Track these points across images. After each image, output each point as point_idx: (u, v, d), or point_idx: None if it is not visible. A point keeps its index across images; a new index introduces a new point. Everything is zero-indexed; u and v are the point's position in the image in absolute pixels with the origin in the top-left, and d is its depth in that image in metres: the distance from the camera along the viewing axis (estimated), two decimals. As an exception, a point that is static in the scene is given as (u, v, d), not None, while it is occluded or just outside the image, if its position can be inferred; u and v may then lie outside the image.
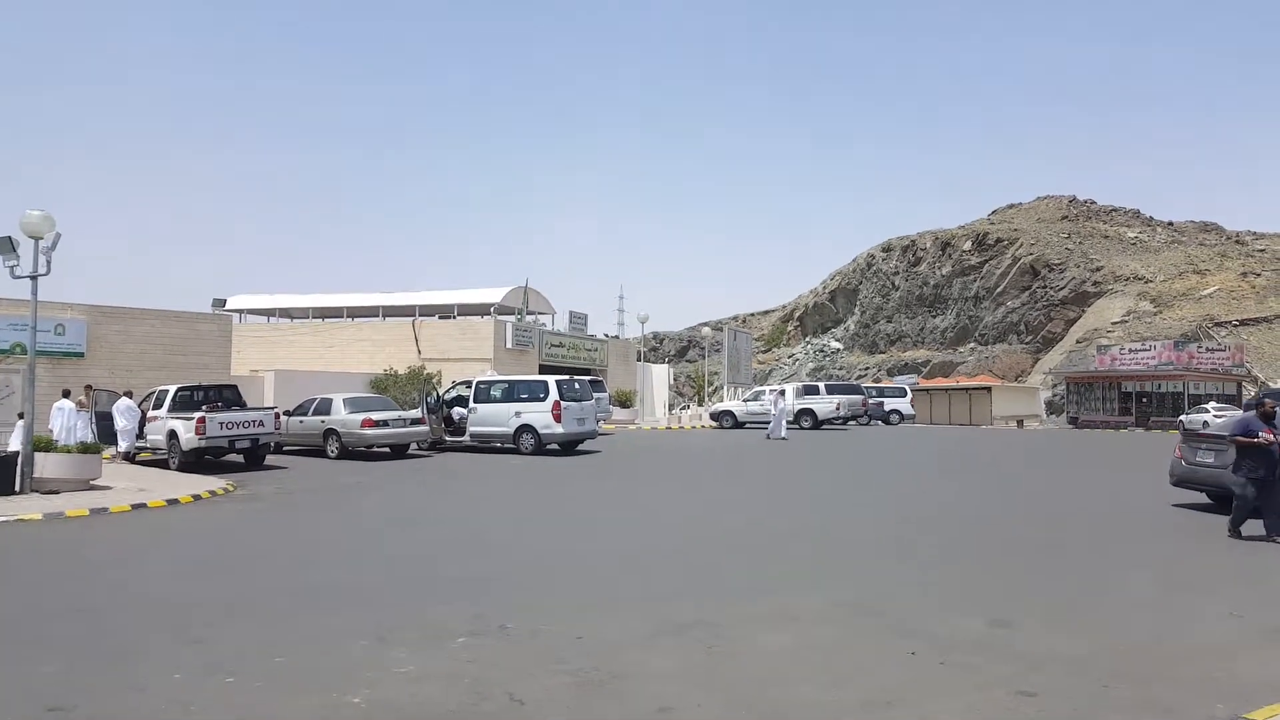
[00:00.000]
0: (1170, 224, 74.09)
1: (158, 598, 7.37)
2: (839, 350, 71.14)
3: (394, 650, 5.68)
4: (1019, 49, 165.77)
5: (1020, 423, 39.08)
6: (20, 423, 17.53)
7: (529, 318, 37.62)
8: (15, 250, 13.48)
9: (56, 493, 13.40)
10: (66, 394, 18.90)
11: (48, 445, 14.14)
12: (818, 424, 31.06)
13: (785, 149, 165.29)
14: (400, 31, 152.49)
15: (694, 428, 34.06)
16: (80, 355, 23.02)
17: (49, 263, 13.70)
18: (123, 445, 18.89)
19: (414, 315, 36.51)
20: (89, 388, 19.57)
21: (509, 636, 5.98)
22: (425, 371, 30.28)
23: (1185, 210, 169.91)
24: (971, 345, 62.14)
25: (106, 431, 18.87)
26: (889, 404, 36.99)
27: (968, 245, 67.59)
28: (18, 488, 13.38)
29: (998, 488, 15.54)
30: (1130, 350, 40.21)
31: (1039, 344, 59.15)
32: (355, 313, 38.64)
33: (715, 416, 33.19)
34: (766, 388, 35.05)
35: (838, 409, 31.25)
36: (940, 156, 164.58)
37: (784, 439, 25.40)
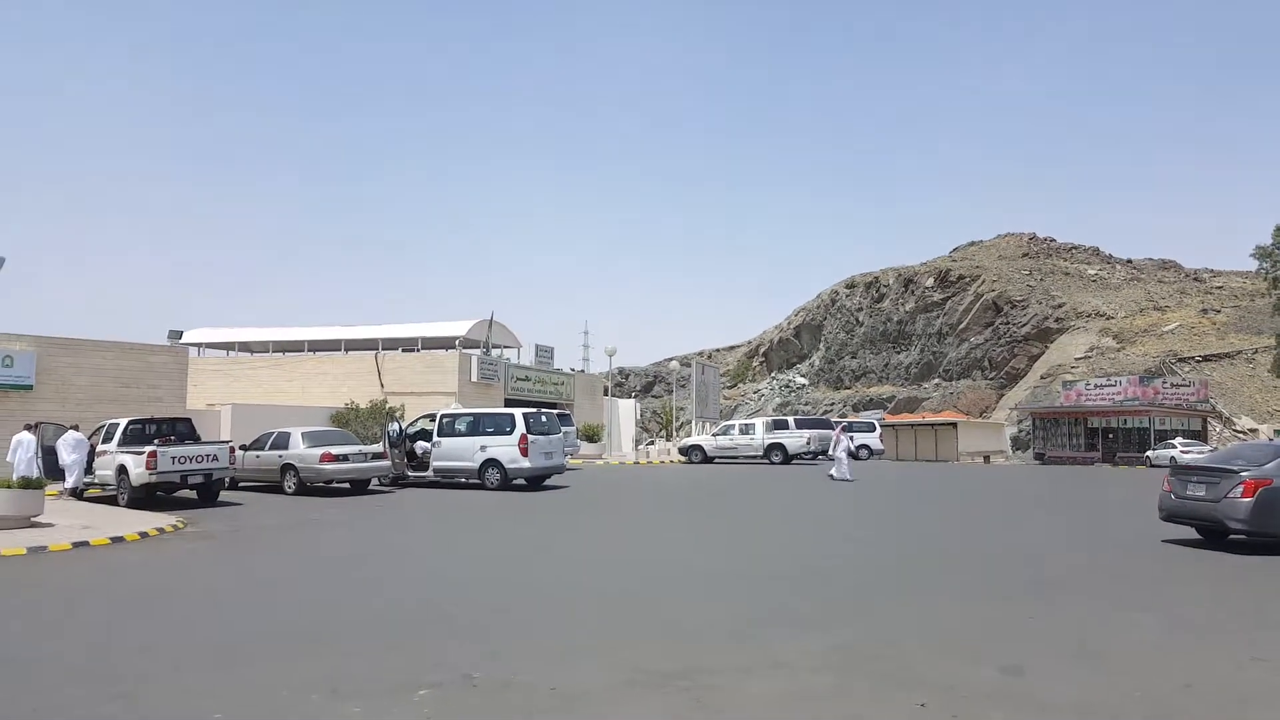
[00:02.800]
0: (1129, 261, 75.96)
1: (88, 646, 6.74)
2: (804, 385, 71.44)
3: (348, 704, 5.17)
4: (975, 88, 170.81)
5: (987, 458, 39.21)
6: None
7: (494, 351, 37.14)
8: (-45, 275, 12.81)
9: (-7, 531, 12.59)
10: (30, 427, 18.25)
11: (-16, 481, 13.33)
12: (788, 459, 30.88)
13: (748, 187, 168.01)
14: (359, 63, 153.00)
15: (662, 462, 33.64)
16: (29, 388, 22.12)
17: (-9, 289, 13.05)
18: (70, 481, 18.06)
19: (377, 349, 35.91)
20: (33, 424, 18.75)
21: (476, 688, 5.49)
22: (388, 405, 29.62)
23: (1143, 248, 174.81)
24: (936, 381, 62.71)
25: (53, 466, 18.07)
26: (858, 438, 36.88)
27: (930, 282, 68.57)
28: (-49, 526, 12.56)
29: (982, 524, 15.29)
30: (1096, 386, 40.67)
31: (1003, 380, 59.85)
32: (316, 346, 37.92)
33: (684, 451, 32.87)
34: (736, 422, 34.82)
35: (808, 443, 31.11)
36: (901, 194, 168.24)
37: (849, 480, 22.98)
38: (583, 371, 47.93)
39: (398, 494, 19.87)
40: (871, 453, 36.83)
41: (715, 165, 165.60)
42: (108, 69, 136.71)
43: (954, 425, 41.44)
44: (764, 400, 69.88)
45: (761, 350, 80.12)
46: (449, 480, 21.21)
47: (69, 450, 18.07)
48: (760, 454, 31.19)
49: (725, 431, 32.73)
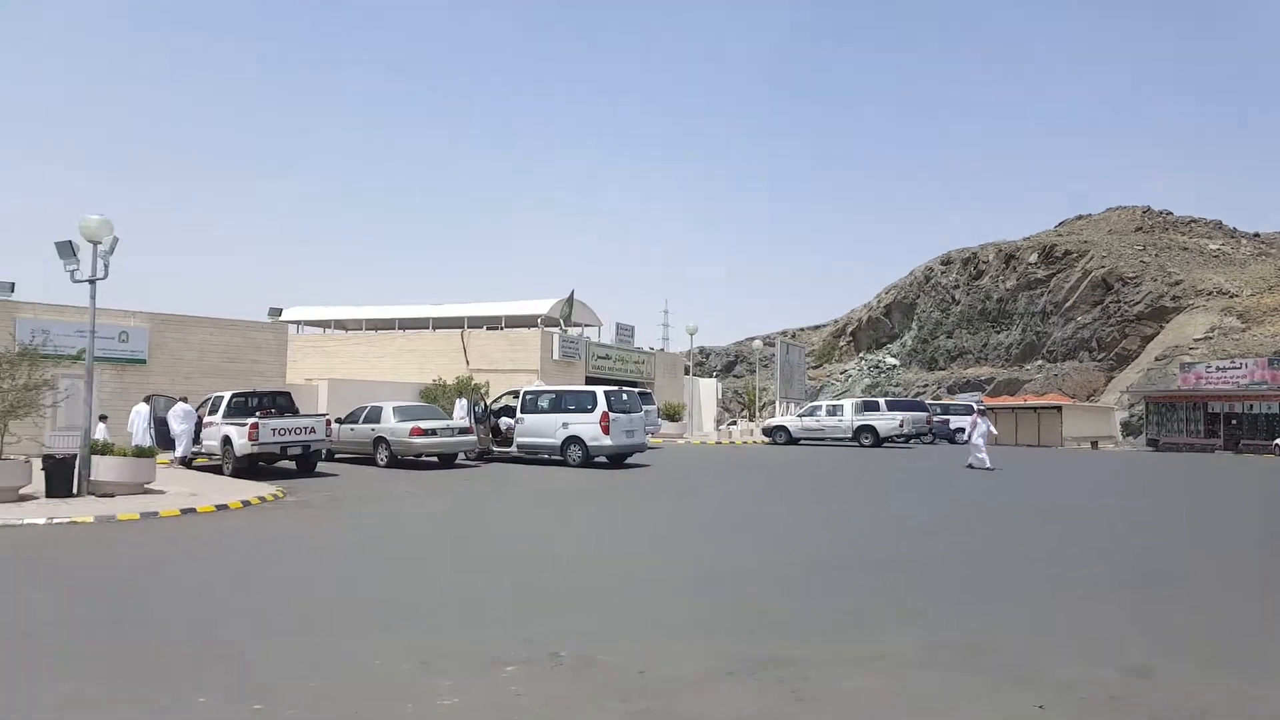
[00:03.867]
0: (1256, 235, 70.68)
1: (193, 609, 6.96)
2: (895, 366, 69.30)
3: (438, 678, 5.14)
4: (1082, 54, 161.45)
5: (1094, 444, 37.23)
6: (103, 424, 18.22)
7: (575, 329, 37.30)
8: (75, 254, 13.49)
9: (111, 496, 13.33)
10: (148, 399, 19.36)
11: (105, 449, 14.11)
12: (879, 441, 29.96)
13: (836, 159, 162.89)
14: (442, 48, 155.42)
15: (745, 443, 33.21)
16: (143, 362, 23.33)
17: (107, 267, 13.68)
18: (179, 450, 19.00)
19: (462, 327, 36.51)
20: (148, 396, 19.83)
21: (562, 666, 5.39)
22: (473, 382, 30.11)
23: (1273, 220, 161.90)
24: (1039, 362, 59.90)
25: (164, 436, 19.05)
26: (955, 422, 35.52)
27: (1034, 258, 65.33)
28: (75, 490, 13.34)
29: (1093, 514, 14.39)
30: (1218, 368, 37.92)
31: (1113, 361, 56.71)
32: (406, 324, 38.85)
33: (768, 432, 32.31)
34: (823, 403, 34.02)
35: (901, 426, 30.07)
36: (1000, 167, 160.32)
37: (990, 469, 21.10)
38: (663, 350, 47.73)
39: (483, 468, 20.16)
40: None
41: (800, 138, 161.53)
42: (215, 55, 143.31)
43: (1058, 409, 39.46)
44: (851, 381, 68.24)
45: (849, 329, 78.13)
46: (532, 456, 21.39)
47: (179, 421, 19.01)
48: (849, 436, 30.38)
49: (812, 412, 32.01)
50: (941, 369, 65.14)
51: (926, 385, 61.82)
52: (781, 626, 6.46)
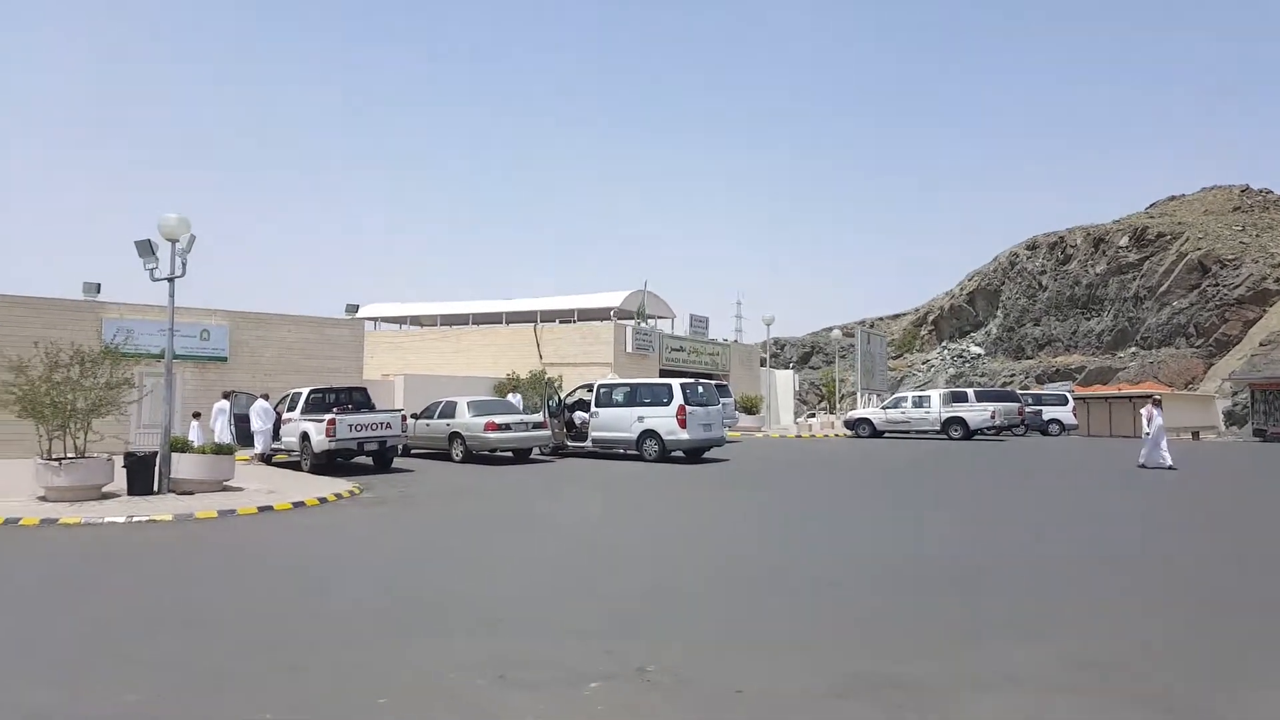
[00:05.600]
0: (1366, 211, 65.65)
1: (264, 611, 6.72)
2: (980, 355, 66.71)
3: (516, 692, 4.73)
4: (1175, 28, 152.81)
5: (1196, 435, 35.00)
6: (195, 422, 18.70)
7: (648, 322, 36.90)
8: (154, 253, 13.62)
9: (191, 493, 13.43)
10: (226, 395, 19.75)
11: (184, 446, 14.25)
12: (969, 434, 28.72)
13: (913, 143, 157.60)
14: (514, 39, 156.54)
15: (826, 436, 32.27)
16: (224, 359, 23.84)
17: (185, 265, 13.79)
18: (259, 446, 19.25)
19: (535, 321, 36.51)
20: (228, 393, 20.17)
21: (650, 683, 4.89)
22: (547, 376, 30.00)
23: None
24: (1133, 349, 56.79)
25: (245, 433, 19.35)
26: (1048, 412, 33.71)
27: (1124, 241, 61.99)
28: (156, 487, 13.49)
29: (1218, 514, 13.22)
30: (1333, 352, 35.16)
31: (1212, 347, 53.39)
32: (479, 319, 39.10)
33: (851, 425, 31.38)
34: (908, 394, 32.84)
35: (992, 417, 28.75)
36: (1087, 147, 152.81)
37: (1171, 467, 18.41)
38: (737, 342, 46.95)
39: (558, 463, 19.89)
40: (1064, 428, 33.67)
41: (876, 120, 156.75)
42: (291, 52, 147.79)
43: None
44: (934, 371, 66.00)
45: (930, 318, 75.55)
46: (607, 451, 21.05)
47: (259, 418, 19.26)
48: (937, 429, 29.25)
49: (896, 404, 30.95)
50: (1029, 358, 62.36)
51: (1013, 375, 59.34)
52: (892, 639, 5.83)
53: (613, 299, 36.72)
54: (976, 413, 28.83)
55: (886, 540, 10.10)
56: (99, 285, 22.20)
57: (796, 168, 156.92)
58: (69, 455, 12.73)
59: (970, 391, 31.37)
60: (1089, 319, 60.76)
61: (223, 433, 18.54)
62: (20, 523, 10.95)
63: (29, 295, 21.30)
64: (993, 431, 29.30)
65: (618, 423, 20.53)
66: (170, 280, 13.77)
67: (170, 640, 5.89)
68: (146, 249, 13.60)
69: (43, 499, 12.55)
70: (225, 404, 19.51)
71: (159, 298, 15.69)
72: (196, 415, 19.39)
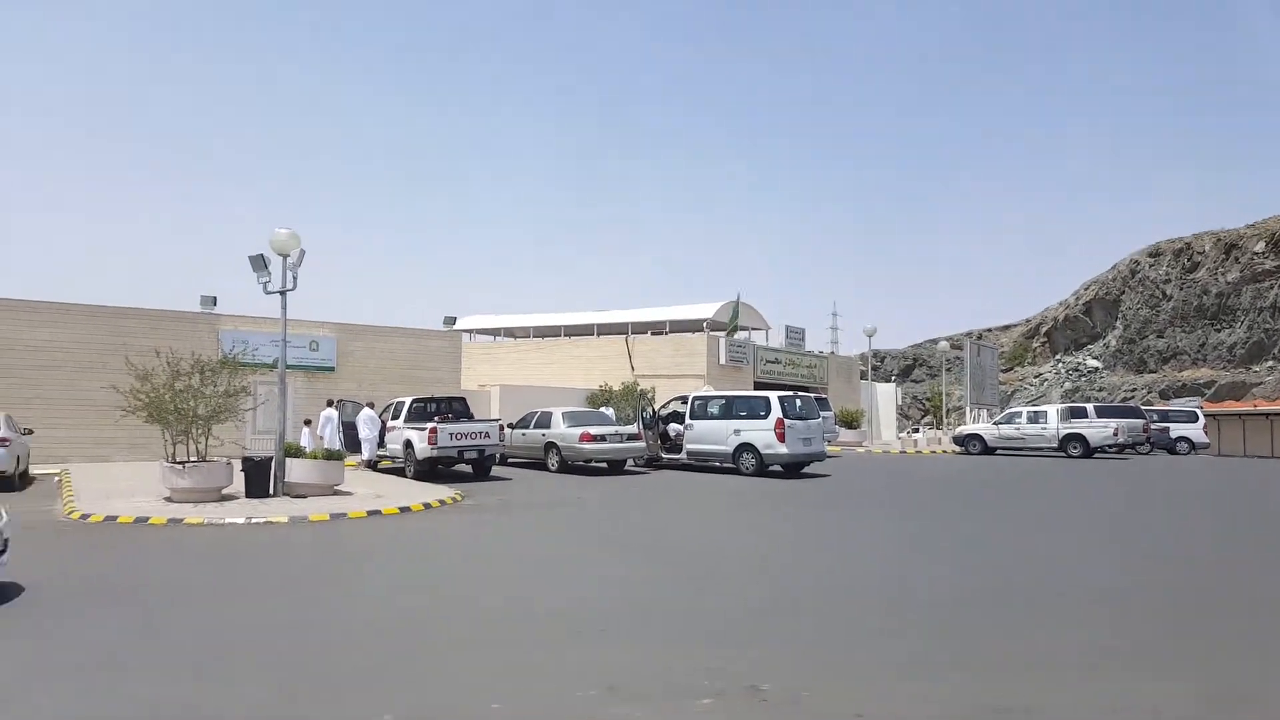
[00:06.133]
0: None
1: (376, 613, 6.82)
2: (1097, 369, 63.24)
3: (626, 706, 4.60)
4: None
5: (1342, 454, 32.19)
6: (306, 429, 19.54)
7: (742, 333, 36.52)
8: (266, 267, 14.22)
9: (304, 496, 13.91)
10: (330, 403, 20.55)
11: (297, 451, 14.80)
12: (1089, 452, 27.18)
13: (1020, 144, 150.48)
14: (601, 50, 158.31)
15: (933, 452, 31.15)
16: (332, 369, 24.78)
17: (295, 278, 14.34)
18: (366, 453, 19.88)
19: (627, 332, 36.64)
20: (335, 401, 20.94)
21: (764, 701, 4.69)
22: (639, 387, 30.02)
23: None
24: (1270, 363, 52.73)
25: (352, 440, 20.03)
26: (1176, 429, 31.55)
27: (1260, 247, 57.72)
28: (271, 490, 14.03)
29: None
30: None
31: (1358, 360, 49.11)
32: (572, 331, 39.53)
33: (961, 441, 30.17)
34: (1022, 409, 31.37)
35: (1115, 434, 27.14)
36: (1212, 150, 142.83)
37: None
38: (834, 353, 45.98)
39: (652, 475, 19.79)
40: (1193, 446, 31.52)
41: (980, 121, 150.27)
42: (388, 63, 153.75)
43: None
44: (1047, 385, 62.89)
45: (1043, 329, 72.08)
46: (702, 464, 20.84)
47: (366, 425, 19.91)
48: (1054, 446, 27.81)
49: (1010, 419, 29.63)
50: (1152, 371, 58.68)
51: (1135, 390, 55.94)
52: (1016, 664, 5.47)
53: (705, 310, 36.54)
54: (1097, 429, 27.32)
55: (1008, 562, 9.55)
56: (215, 298, 23.44)
57: (896, 174, 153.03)
58: (191, 459, 13.40)
59: (1090, 406, 29.78)
60: (1219, 330, 56.80)
61: (332, 439, 19.22)
62: (149, 521, 11.55)
63: (151, 308, 22.65)
64: (1115, 449, 27.69)
65: (713, 435, 20.30)
66: (282, 293, 14.35)
67: (280, 644, 6.01)
68: (259, 263, 14.21)
69: (168, 499, 13.23)
70: (333, 412, 20.24)
71: (270, 309, 16.46)
72: (308, 422, 20.19)
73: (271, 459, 14.21)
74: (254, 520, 11.75)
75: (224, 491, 13.71)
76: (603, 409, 25.93)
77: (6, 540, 7.19)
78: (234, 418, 14.26)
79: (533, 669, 5.29)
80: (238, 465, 13.96)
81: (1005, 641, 6.06)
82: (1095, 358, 64.22)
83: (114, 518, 11.74)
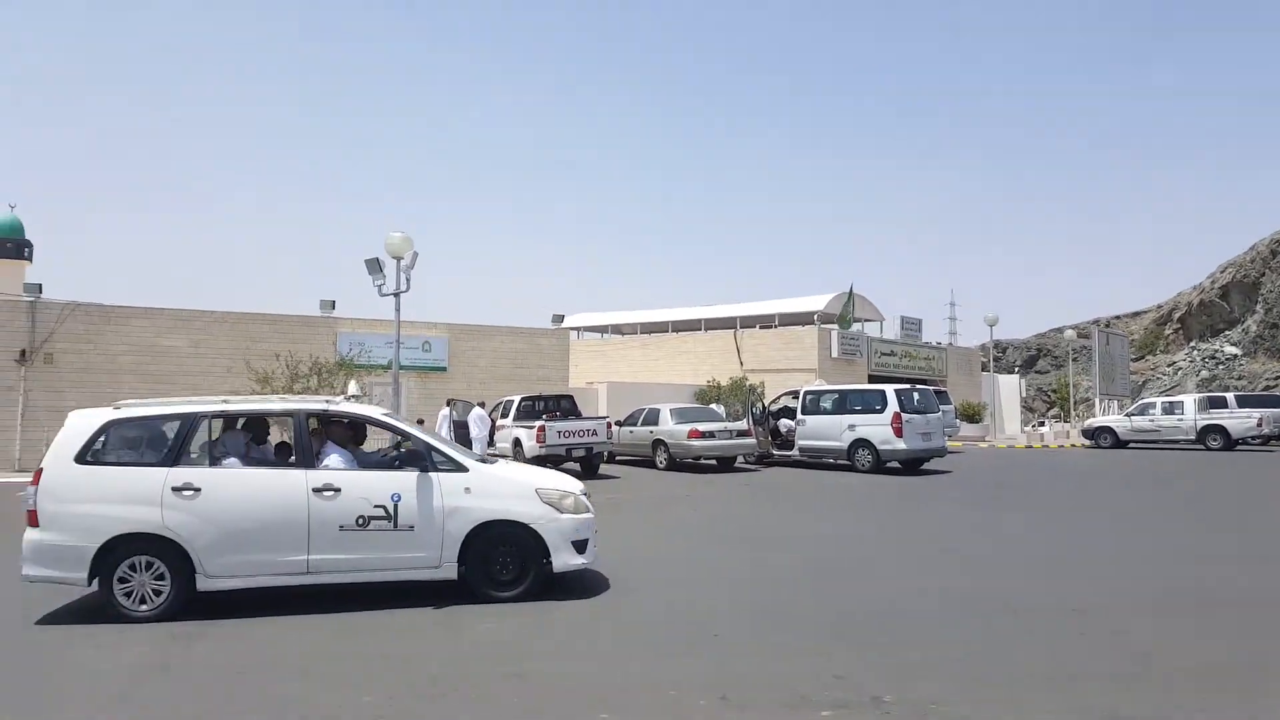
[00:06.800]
0: None
1: (494, 610, 6.72)
2: (1236, 356, 58.17)
3: (740, 715, 4.33)
4: None
5: None
6: (420, 428, 20.09)
7: (855, 325, 35.37)
8: (381, 270, 14.60)
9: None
10: (449, 403, 21.07)
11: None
12: (1230, 444, 25.05)
13: (1147, 120, 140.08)
14: (711, 44, 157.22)
15: (1061, 446, 29.30)
16: (444, 369, 25.40)
17: (409, 280, 14.69)
18: (477, 451, 20.22)
19: (735, 327, 36.11)
20: (450, 401, 21.43)
21: (887, 715, 4.31)
22: (748, 382, 29.48)
23: None
24: None
25: (464, 439, 20.42)
26: None
27: None
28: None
29: None
30: None
31: None
32: (678, 326, 39.33)
33: (1090, 434, 28.40)
34: (1156, 400, 29.17)
35: (1259, 425, 24.95)
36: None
37: None
38: (952, 345, 44.02)
39: (763, 472, 19.28)
40: None
41: (1104, 96, 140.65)
42: (500, 69, 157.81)
43: None
44: (1181, 375, 58.35)
45: (1176, 315, 67.01)
46: (815, 460, 20.18)
47: (476, 424, 20.25)
48: (1191, 438, 25.78)
49: (1143, 410, 27.69)
50: (1295, 358, 53.58)
51: (1278, 377, 51.20)
52: (1159, 676, 4.91)
53: (816, 303, 35.63)
54: (1239, 420, 25.16)
55: (1155, 566, 8.64)
56: (334, 302, 24.41)
57: (1015, 156, 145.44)
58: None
59: (1230, 396, 27.42)
60: (1374, 314, 51.16)
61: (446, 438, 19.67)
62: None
63: (274, 313, 23.75)
64: (1259, 441, 25.41)
65: (827, 431, 19.62)
66: (396, 295, 14.71)
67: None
68: (375, 266, 14.62)
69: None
70: (447, 411, 20.71)
71: (385, 311, 16.96)
72: (420, 421, 20.67)
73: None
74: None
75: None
76: (712, 405, 25.57)
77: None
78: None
79: (643, 675, 5.08)
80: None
81: (1147, 652, 5.41)
82: (1234, 344, 59.00)
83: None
